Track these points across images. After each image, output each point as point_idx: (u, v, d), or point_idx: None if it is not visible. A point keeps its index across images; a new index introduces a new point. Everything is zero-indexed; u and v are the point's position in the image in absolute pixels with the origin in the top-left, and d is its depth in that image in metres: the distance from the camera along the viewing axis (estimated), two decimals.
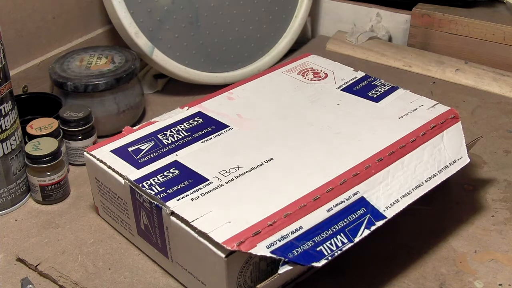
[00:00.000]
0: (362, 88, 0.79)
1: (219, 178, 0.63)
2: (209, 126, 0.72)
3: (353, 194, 0.61)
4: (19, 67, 0.92)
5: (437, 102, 0.75)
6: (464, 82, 1.01)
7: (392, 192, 0.63)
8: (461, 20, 1.04)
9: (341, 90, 0.79)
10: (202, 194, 0.61)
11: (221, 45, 1.01)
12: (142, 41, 0.93)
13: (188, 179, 0.63)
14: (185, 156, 0.67)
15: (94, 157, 0.68)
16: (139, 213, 0.64)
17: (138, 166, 0.66)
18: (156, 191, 0.61)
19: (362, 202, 0.61)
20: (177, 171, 0.64)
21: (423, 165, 0.66)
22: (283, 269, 0.54)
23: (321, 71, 0.84)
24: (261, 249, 0.54)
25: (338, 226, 0.58)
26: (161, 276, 0.65)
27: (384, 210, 0.61)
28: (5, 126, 0.71)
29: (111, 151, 0.69)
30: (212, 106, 0.76)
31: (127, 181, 0.64)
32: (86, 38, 1.02)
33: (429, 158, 0.67)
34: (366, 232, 0.58)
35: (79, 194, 0.79)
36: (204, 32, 0.99)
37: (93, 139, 0.84)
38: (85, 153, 0.70)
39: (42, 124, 0.78)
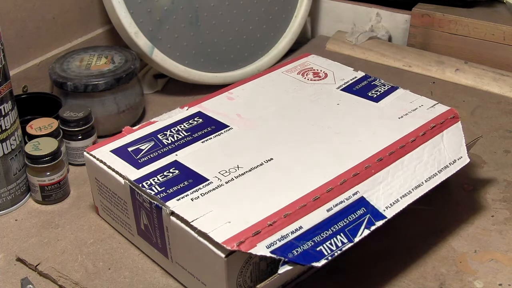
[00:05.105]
0: (362, 88, 0.79)
1: (219, 178, 0.63)
2: (209, 126, 0.72)
3: (353, 194, 0.61)
4: (19, 67, 0.92)
5: (437, 102, 0.75)
6: (464, 82, 1.01)
7: (392, 192, 0.63)
8: (461, 20, 1.04)
9: (341, 90, 0.79)
10: (202, 194, 0.61)
11: (221, 45, 1.01)
12: (142, 41, 0.93)
13: (188, 179, 0.63)
14: (185, 156, 0.67)
15: (94, 157, 0.68)
16: (139, 213, 0.64)
17: (138, 166, 0.66)
18: (156, 191, 0.61)
19: (362, 202, 0.61)
20: (177, 171, 0.64)
21: (423, 165, 0.66)
22: (283, 269, 0.54)
23: (321, 71, 0.84)
24: (261, 249, 0.54)
25: (338, 226, 0.58)
26: (161, 276, 0.65)
27: (384, 210, 0.61)
28: (5, 126, 0.71)
29: (111, 151, 0.69)
30: (212, 106, 0.76)
31: (127, 181, 0.64)
32: (86, 38, 1.02)
33: (429, 158, 0.67)
34: (366, 232, 0.58)
35: (79, 194, 0.79)
36: (204, 32, 0.99)
37: (93, 139, 0.84)
38: (85, 153, 0.70)
39: (42, 124, 0.78)
